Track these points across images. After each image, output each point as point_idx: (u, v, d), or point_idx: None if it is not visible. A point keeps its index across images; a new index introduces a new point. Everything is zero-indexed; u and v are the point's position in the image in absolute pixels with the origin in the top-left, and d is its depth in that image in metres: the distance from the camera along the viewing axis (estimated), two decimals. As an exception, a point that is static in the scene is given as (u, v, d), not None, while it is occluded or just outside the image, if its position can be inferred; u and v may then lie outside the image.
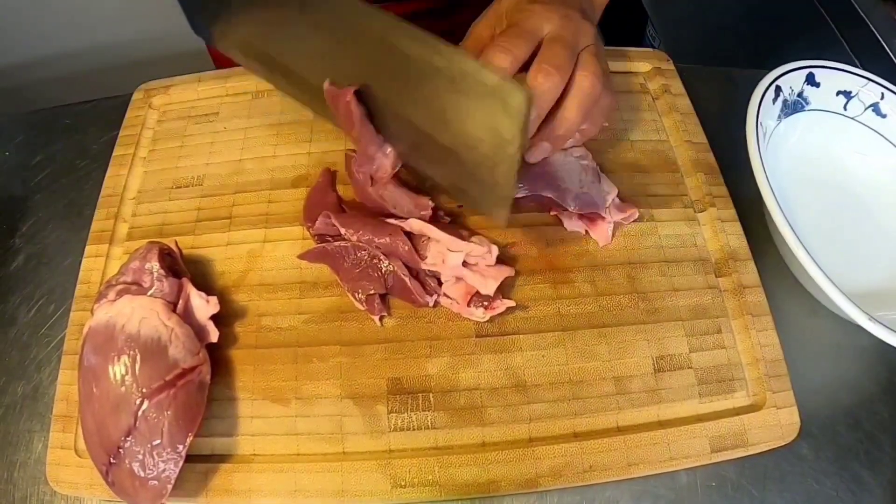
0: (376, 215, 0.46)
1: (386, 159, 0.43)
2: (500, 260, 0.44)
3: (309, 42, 0.43)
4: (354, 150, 0.47)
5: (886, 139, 0.53)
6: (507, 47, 0.40)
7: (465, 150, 0.38)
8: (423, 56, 0.35)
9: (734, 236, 0.47)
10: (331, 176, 0.50)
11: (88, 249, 0.48)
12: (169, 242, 0.45)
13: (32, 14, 1.09)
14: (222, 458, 0.40)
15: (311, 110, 0.52)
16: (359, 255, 0.44)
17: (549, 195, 0.45)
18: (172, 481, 0.36)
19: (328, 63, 0.42)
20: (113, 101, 0.58)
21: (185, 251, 0.46)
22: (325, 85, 0.43)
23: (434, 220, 0.46)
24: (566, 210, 0.46)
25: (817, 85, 0.52)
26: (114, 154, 0.53)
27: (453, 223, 0.47)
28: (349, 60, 0.41)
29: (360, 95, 0.41)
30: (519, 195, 0.46)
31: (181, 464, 0.37)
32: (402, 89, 0.39)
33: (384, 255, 0.43)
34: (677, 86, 0.55)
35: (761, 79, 0.50)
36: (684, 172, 0.51)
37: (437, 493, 0.39)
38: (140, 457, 0.36)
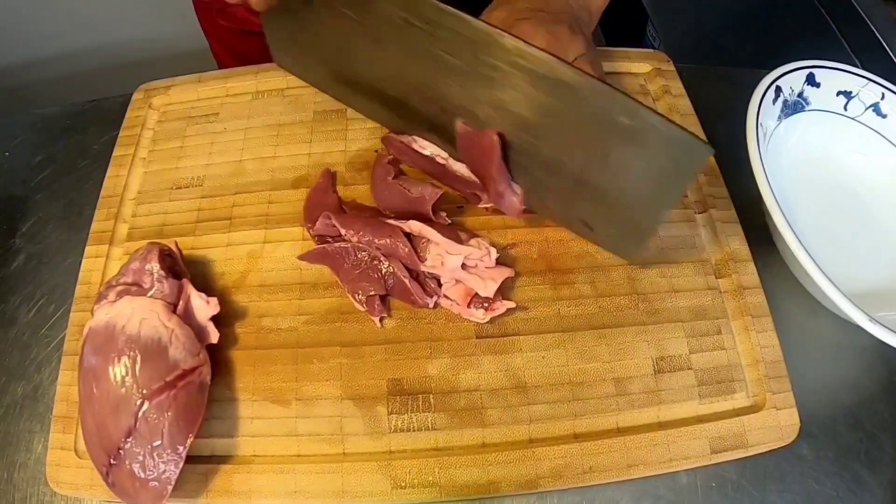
0: (376, 216, 0.46)
1: (515, 197, 0.43)
2: (501, 261, 0.44)
3: (446, 88, 0.42)
4: (383, 149, 0.49)
5: (887, 139, 0.53)
6: None
7: (620, 194, 0.38)
8: (605, 111, 0.35)
9: (734, 237, 0.47)
10: (331, 177, 0.50)
11: (88, 250, 0.48)
12: (169, 243, 0.45)
13: (32, 14, 1.09)
14: (222, 459, 0.40)
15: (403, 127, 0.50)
16: (359, 256, 0.44)
17: None
18: (173, 482, 0.36)
19: (463, 106, 0.42)
20: (113, 101, 0.58)
21: (185, 252, 0.46)
22: (459, 126, 0.43)
23: (435, 220, 0.46)
24: None
25: (817, 85, 0.52)
26: (114, 154, 0.53)
27: (453, 225, 0.47)
28: (495, 106, 0.40)
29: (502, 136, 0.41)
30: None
31: (181, 465, 0.37)
32: (561, 135, 0.39)
33: (384, 256, 0.43)
34: (677, 87, 0.55)
35: (761, 79, 0.50)
36: (684, 173, 0.51)
37: (438, 493, 0.39)
38: (140, 458, 0.36)
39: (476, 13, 0.49)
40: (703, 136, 0.50)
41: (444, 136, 0.46)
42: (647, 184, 0.37)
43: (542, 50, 0.35)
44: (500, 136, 0.41)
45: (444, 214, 0.47)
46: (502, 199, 0.44)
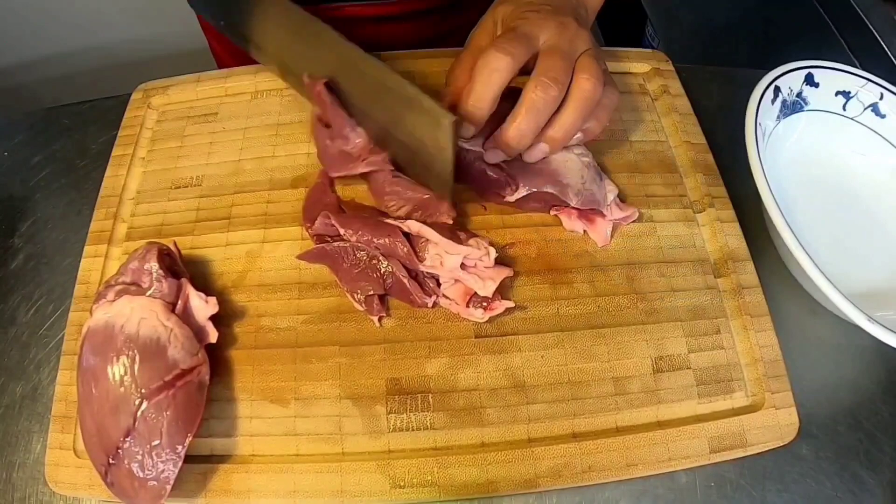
0: (375, 216, 0.46)
1: (359, 139, 0.48)
2: (499, 260, 0.44)
3: (286, 39, 0.50)
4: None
5: (885, 139, 0.53)
6: (508, 49, 0.40)
7: (413, 145, 0.44)
8: (376, 77, 0.43)
9: (733, 237, 0.47)
10: (329, 176, 0.50)
11: (87, 250, 0.48)
12: (168, 243, 0.45)
13: (32, 14, 1.09)
14: (221, 458, 0.40)
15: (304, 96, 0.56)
16: (358, 255, 0.44)
17: (551, 191, 0.45)
18: (171, 482, 0.36)
19: (304, 58, 0.49)
20: (112, 101, 0.58)
21: (183, 251, 0.46)
22: (304, 78, 0.48)
23: (445, 218, 0.46)
24: (567, 206, 0.46)
25: (816, 85, 0.52)
26: (112, 154, 0.53)
27: (452, 225, 0.47)
28: (318, 59, 0.48)
29: (333, 86, 0.47)
30: (521, 194, 0.46)
31: (180, 464, 0.37)
32: (368, 94, 0.46)
33: (383, 255, 0.43)
34: (676, 86, 0.55)
35: (760, 79, 0.50)
36: (683, 173, 0.51)
37: (437, 493, 0.39)
38: (139, 457, 0.36)
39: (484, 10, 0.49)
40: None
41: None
42: (426, 141, 0.43)
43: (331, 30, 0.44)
44: (329, 84, 0.47)
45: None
46: (348, 141, 0.48)
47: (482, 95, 0.41)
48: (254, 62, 0.57)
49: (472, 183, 0.48)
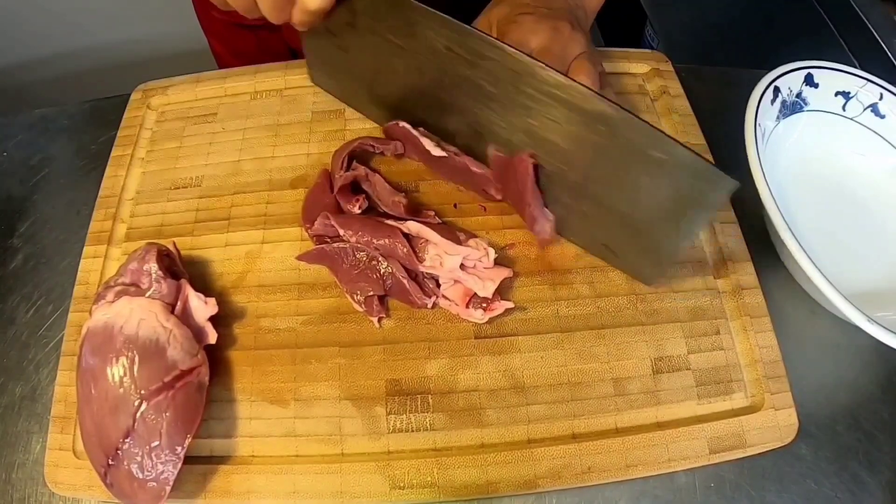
0: (374, 216, 0.46)
1: (548, 223, 0.44)
2: (499, 261, 0.44)
3: (482, 114, 0.43)
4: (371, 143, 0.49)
5: (885, 140, 0.53)
6: None
7: (644, 221, 0.40)
8: (636, 142, 0.36)
9: (732, 237, 0.47)
10: (329, 177, 0.50)
11: (86, 250, 0.48)
12: (167, 243, 0.45)
13: (32, 14, 1.09)
14: (221, 459, 0.40)
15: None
16: (357, 256, 0.44)
17: None
18: (171, 483, 0.36)
19: (497, 132, 0.43)
20: (112, 101, 0.58)
21: (183, 252, 0.46)
22: (491, 151, 0.44)
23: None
24: None
25: (816, 85, 0.52)
26: (112, 154, 0.53)
27: (451, 225, 0.47)
28: (529, 133, 0.41)
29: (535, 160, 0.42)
30: None
31: (179, 465, 0.37)
32: (590, 163, 0.39)
33: (382, 256, 0.43)
34: (676, 87, 0.55)
35: (760, 79, 0.50)
36: (683, 173, 0.51)
37: (436, 494, 0.39)
38: (139, 458, 0.36)
39: (477, 11, 0.49)
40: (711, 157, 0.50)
41: (477, 159, 0.47)
42: (671, 213, 0.38)
43: (579, 83, 0.36)
44: (534, 160, 0.42)
45: (432, 213, 0.47)
46: (535, 224, 0.45)
47: None
48: (254, 62, 0.57)
49: (452, 178, 0.48)
